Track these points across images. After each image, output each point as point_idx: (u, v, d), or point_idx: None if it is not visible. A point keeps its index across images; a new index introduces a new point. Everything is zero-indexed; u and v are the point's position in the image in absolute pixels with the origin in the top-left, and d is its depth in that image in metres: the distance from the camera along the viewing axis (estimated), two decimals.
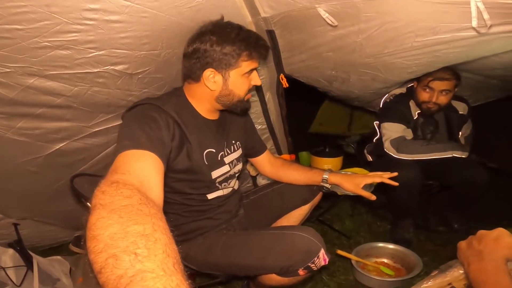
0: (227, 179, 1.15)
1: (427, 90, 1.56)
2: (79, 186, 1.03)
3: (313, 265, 0.95)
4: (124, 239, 0.46)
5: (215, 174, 1.08)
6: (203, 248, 1.08)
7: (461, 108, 1.70)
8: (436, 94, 1.54)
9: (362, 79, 1.40)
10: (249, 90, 1.06)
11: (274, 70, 1.43)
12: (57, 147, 1.13)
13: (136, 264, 0.43)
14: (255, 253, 0.99)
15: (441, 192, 1.89)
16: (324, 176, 1.24)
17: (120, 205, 0.53)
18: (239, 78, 1.00)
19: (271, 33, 1.22)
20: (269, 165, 1.35)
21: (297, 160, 2.16)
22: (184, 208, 1.09)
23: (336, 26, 1.03)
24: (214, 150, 1.07)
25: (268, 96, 1.57)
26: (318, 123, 2.65)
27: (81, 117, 1.09)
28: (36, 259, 1.19)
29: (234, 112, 1.11)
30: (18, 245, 1.21)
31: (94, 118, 1.13)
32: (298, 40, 1.22)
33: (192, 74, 1.00)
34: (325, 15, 1.00)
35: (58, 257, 1.32)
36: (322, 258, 0.96)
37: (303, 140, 2.16)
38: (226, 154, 1.13)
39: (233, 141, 1.17)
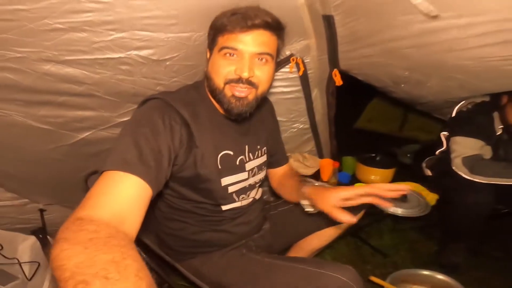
0: (245, 189, 0.99)
1: None
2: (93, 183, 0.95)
3: None
4: (92, 267, 0.44)
5: (226, 181, 0.93)
6: (218, 268, 0.97)
7: None
8: None
9: (445, 85, 1.10)
10: (229, 80, 0.83)
11: (326, 64, 1.20)
12: (82, 136, 1.07)
13: (108, 287, 0.42)
14: None
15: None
16: (303, 201, 0.99)
17: (86, 239, 0.50)
18: (215, 56, 0.86)
19: (328, 19, 0.98)
20: (281, 178, 1.17)
21: (341, 166, 1.91)
22: (195, 217, 0.98)
23: (435, 16, 0.77)
24: (231, 153, 0.93)
25: (315, 93, 1.35)
26: (366, 119, 2.37)
27: (106, 106, 1.01)
28: None
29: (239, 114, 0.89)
30: (41, 233, 1.19)
31: (121, 107, 1.05)
32: (366, 30, 0.97)
33: None
34: (417, 0, 0.73)
35: None
36: None
37: (347, 141, 1.80)
38: (247, 159, 0.98)
39: (259, 146, 1.01)
